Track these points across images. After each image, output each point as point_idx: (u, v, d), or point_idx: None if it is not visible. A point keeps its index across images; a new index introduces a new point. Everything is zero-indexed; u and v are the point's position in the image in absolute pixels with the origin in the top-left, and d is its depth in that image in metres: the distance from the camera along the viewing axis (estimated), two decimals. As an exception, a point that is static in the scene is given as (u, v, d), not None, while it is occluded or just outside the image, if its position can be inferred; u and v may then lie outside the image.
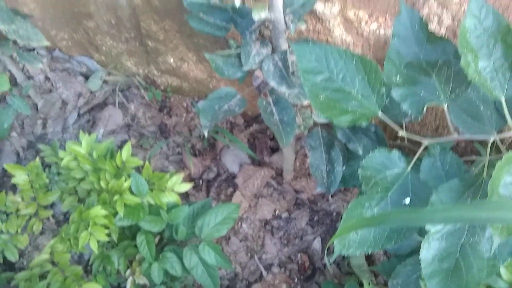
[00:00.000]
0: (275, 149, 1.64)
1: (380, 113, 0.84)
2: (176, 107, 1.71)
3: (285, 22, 0.99)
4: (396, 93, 0.83)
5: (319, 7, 1.16)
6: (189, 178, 1.59)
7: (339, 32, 1.21)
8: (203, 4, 1.05)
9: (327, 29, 1.21)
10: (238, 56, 1.07)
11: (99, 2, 1.46)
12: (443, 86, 0.82)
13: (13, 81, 1.65)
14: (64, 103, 1.71)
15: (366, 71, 0.83)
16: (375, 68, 0.82)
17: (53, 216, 1.49)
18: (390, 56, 0.86)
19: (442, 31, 1.12)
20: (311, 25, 1.22)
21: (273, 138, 1.64)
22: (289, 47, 1.05)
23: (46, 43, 1.22)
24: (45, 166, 1.42)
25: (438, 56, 0.85)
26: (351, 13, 1.15)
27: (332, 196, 1.55)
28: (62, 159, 1.20)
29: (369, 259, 1.45)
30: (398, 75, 0.84)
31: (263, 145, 1.63)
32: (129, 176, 1.15)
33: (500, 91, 0.77)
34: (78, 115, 1.70)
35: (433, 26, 1.12)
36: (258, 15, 0.92)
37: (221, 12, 1.09)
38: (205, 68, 1.56)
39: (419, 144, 0.90)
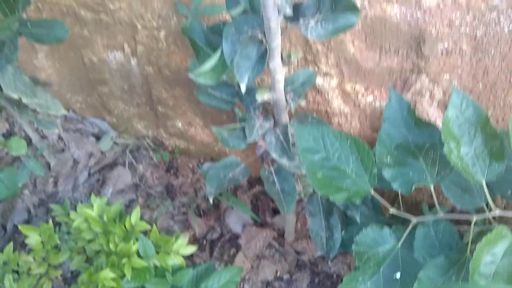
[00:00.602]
0: (277, 211, 1.68)
1: (372, 192, 0.90)
2: (183, 168, 1.77)
3: (286, 100, 1.06)
4: (387, 173, 0.90)
5: (318, 80, 1.23)
6: (193, 238, 1.63)
7: (337, 103, 1.28)
8: (211, 81, 1.13)
9: (326, 101, 1.29)
10: (243, 129, 1.14)
11: (113, 70, 1.55)
12: (430, 168, 0.89)
13: (28, 141, 1.72)
14: (76, 162, 1.77)
15: (359, 152, 0.89)
16: (367, 150, 0.89)
17: (61, 274, 1.52)
18: (382, 138, 0.92)
19: (434, 105, 1.19)
20: (311, 97, 1.29)
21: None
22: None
23: (64, 112, 1.30)
24: (56, 223, 1.48)
25: (425, 140, 0.91)
26: (348, 86, 1.23)
27: (332, 260, 1.58)
28: (73, 220, 1.26)
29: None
30: (389, 156, 0.90)
31: (265, 206, 1.68)
32: (137, 239, 1.20)
33: (481, 176, 0.83)
34: (89, 174, 1.76)
35: (425, 100, 1.19)
36: (261, 97, 0.99)
37: (228, 88, 1.17)
38: (211, 133, 1.62)
39: (415, 211, 0.95)
